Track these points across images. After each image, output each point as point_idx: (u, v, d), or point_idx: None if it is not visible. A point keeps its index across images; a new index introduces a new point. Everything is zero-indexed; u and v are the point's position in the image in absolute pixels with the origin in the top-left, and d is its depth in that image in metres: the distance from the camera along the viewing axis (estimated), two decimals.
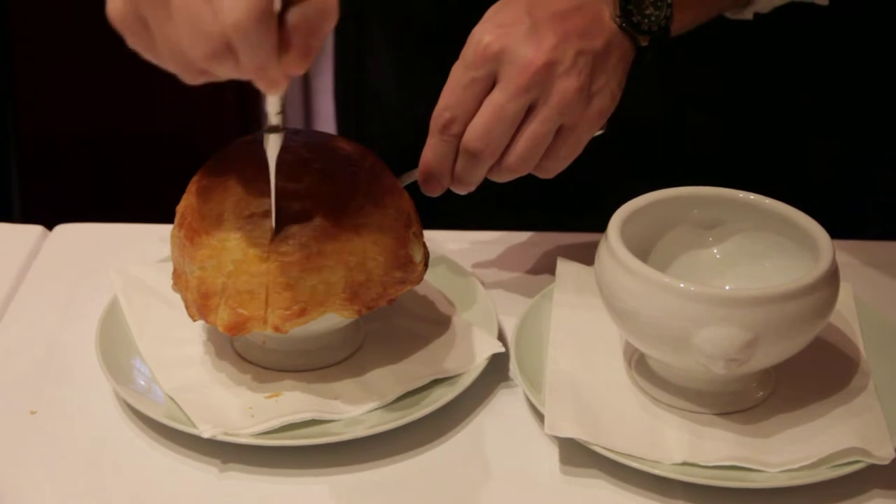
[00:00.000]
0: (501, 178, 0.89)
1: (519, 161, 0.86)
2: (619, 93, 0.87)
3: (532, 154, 0.86)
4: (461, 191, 0.90)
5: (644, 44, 0.87)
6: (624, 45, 0.87)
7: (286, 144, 0.84)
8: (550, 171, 0.88)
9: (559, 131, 0.86)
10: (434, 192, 0.90)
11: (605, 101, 0.86)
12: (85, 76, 2.02)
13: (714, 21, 0.95)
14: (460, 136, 0.86)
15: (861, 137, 1.14)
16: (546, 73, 0.84)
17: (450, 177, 0.89)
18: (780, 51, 1.07)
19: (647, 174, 0.91)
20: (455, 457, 0.82)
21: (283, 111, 0.76)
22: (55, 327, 0.93)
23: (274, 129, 0.77)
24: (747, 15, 0.96)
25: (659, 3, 0.87)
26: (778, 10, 0.96)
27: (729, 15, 0.96)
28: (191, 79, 0.73)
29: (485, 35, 0.85)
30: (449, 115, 0.86)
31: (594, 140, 0.88)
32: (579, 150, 0.88)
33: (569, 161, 0.88)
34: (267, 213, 0.80)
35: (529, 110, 0.85)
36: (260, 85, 0.71)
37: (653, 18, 0.87)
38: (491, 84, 0.85)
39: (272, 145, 0.78)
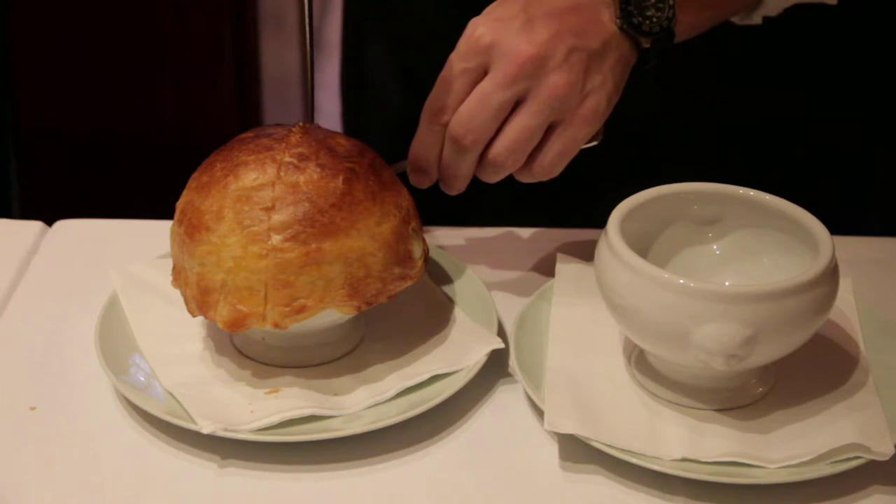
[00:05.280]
0: (488, 174, 0.88)
1: (505, 153, 0.86)
2: (615, 95, 0.87)
3: (518, 147, 0.85)
4: (449, 188, 0.89)
5: (646, 45, 0.87)
6: (623, 47, 0.87)
7: (286, 141, 0.84)
8: (540, 172, 0.87)
9: (550, 129, 0.86)
10: (422, 183, 0.90)
11: (599, 100, 0.85)
12: (85, 74, 2.02)
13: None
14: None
15: (863, 133, 1.13)
16: (535, 66, 0.84)
17: (437, 168, 0.88)
18: (785, 47, 1.06)
19: (650, 173, 0.90)
20: (454, 453, 0.82)
21: None
22: (55, 323, 0.93)
23: None
24: (756, 20, 0.95)
25: (660, 5, 0.87)
26: (785, 10, 0.96)
27: (736, 21, 0.95)
28: None
29: (478, 27, 0.85)
30: (438, 104, 0.86)
31: (589, 150, 0.88)
32: (572, 152, 0.87)
33: (560, 164, 0.87)
34: (267, 209, 0.80)
35: (520, 105, 0.85)
36: None
37: (654, 20, 0.86)
38: (482, 76, 0.85)
39: None
